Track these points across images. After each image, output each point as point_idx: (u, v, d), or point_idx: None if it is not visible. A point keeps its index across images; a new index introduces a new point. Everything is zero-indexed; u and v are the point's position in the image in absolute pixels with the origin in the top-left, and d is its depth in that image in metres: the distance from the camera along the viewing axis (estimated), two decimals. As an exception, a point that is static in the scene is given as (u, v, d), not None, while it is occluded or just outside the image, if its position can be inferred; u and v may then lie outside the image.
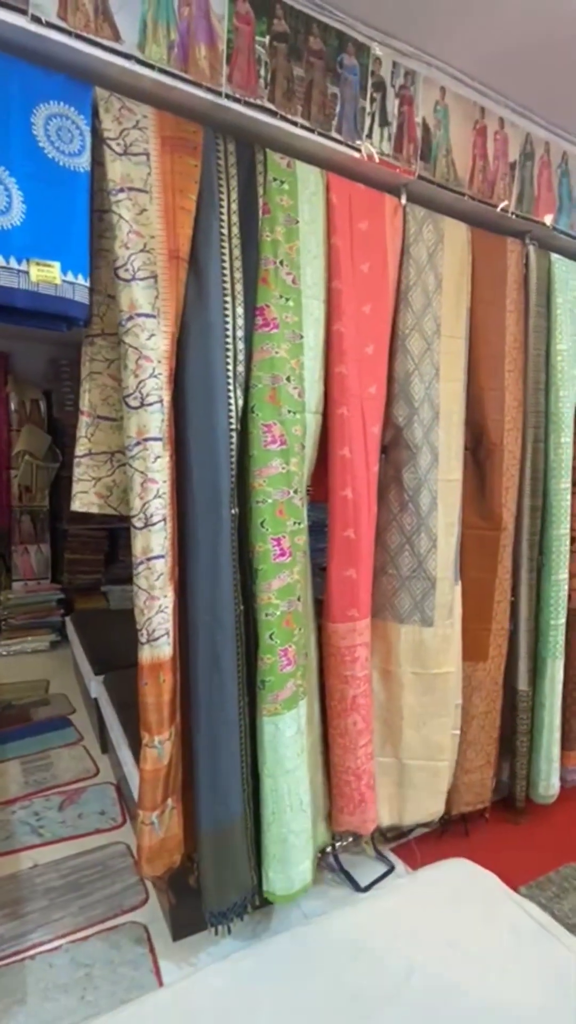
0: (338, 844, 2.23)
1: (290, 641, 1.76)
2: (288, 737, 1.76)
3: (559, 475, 2.44)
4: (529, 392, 2.38)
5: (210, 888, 1.72)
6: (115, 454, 1.61)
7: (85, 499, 1.58)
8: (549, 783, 2.52)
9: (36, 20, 1.32)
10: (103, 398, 1.57)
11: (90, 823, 2.46)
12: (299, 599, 1.80)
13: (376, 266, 1.92)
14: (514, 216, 2.21)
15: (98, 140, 1.44)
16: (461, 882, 2.12)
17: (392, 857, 2.32)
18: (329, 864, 2.23)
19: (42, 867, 2.21)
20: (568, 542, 2.48)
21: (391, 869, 2.24)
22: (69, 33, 1.36)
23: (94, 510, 1.59)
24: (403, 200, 1.98)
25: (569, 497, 2.49)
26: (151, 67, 1.46)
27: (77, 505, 1.58)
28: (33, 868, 2.21)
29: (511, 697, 2.53)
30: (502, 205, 2.21)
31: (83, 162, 1.42)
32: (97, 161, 1.46)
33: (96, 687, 2.90)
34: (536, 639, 2.52)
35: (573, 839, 2.43)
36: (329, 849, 2.17)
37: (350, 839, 2.20)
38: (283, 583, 1.74)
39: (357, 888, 2.13)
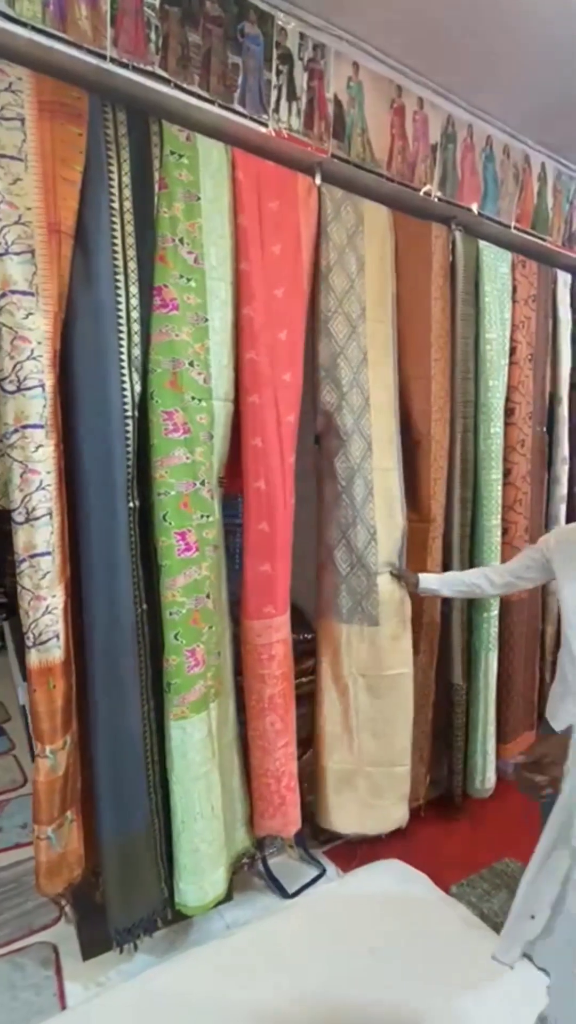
0: (268, 851, 2.16)
1: (198, 641, 1.67)
2: (197, 741, 1.67)
3: (489, 466, 2.41)
4: (457, 381, 2.34)
5: (115, 904, 1.62)
6: (-2, 444, 1.50)
7: (-35, 492, 1.47)
8: (485, 777, 2.49)
9: None
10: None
11: (10, 837, 2.34)
12: (208, 596, 1.71)
13: (288, 248, 1.84)
14: (437, 200, 2.16)
15: (-36, 102, 1.32)
16: (391, 885, 2.06)
17: (325, 860, 2.25)
18: (259, 871, 2.15)
19: (-49, 887, 2.07)
20: (499, 533, 2.45)
21: (322, 873, 2.17)
22: None
23: (-27, 504, 1.48)
24: (318, 180, 1.91)
25: (500, 488, 2.46)
26: (23, 24, 1.35)
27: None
28: (-58, 888, 2.07)
29: (446, 691, 2.49)
30: (425, 189, 2.16)
31: (-54, 125, 1.31)
32: (-34, 126, 1.34)
33: (23, 693, 2.77)
34: (470, 632, 2.48)
35: (507, 833, 2.39)
36: (259, 855, 2.09)
37: (284, 845, 2.13)
38: (189, 580, 1.65)
39: (284, 895, 2.05)
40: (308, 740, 2.38)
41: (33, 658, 1.43)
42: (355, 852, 2.22)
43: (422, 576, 2.06)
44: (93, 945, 1.78)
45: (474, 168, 2.25)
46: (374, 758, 2.10)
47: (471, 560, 2.43)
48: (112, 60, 1.47)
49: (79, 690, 1.57)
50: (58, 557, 1.46)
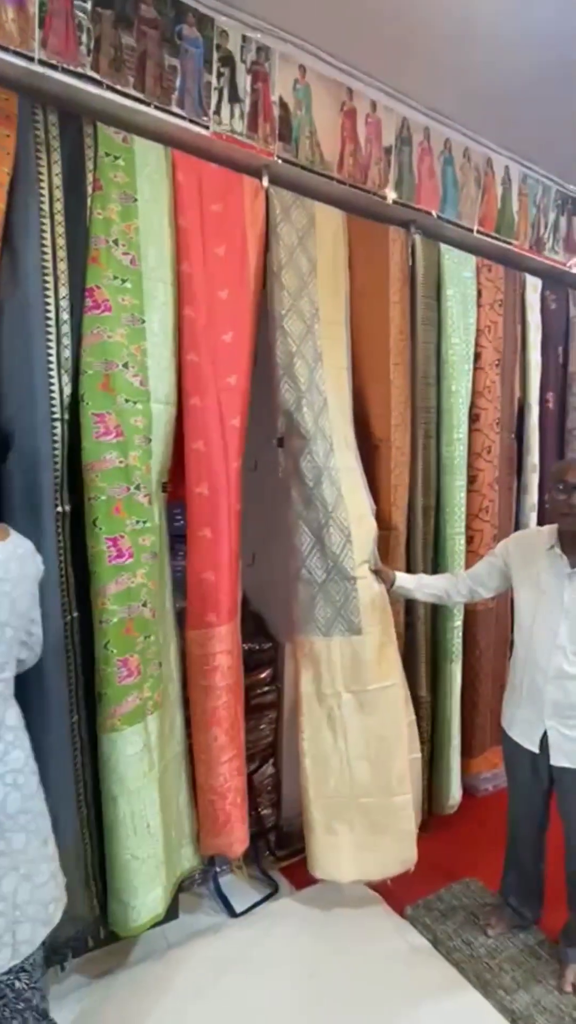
0: (220, 867, 2.10)
1: (131, 651, 1.62)
2: (130, 755, 1.62)
3: (452, 472, 2.36)
4: (418, 387, 2.30)
5: (40, 923, 1.56)
6: None
7: None
8: (450, 793, 2.41)
9: None
10: None
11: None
12: (145, 604, 1.66)
13: (234, 249, 1.82)
14: (392, 203, 2.13)
15: None
16: (342, 905, 1.99)
17: (279, 877, 2.18)
18: (209, 888, 2.09)
19: None
20: (463, 541, 2.40)
21: (273, 891, 2.10)
22: None
23: None
24: (265, 182, 1.89)
25: (464, 495, 2.41)
26: (-56, 25, 1.35)
27: None
28: None
29: (412, 705, 2.42)
30: (388, 194, 2.13)
31: None
32: None
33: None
34: (434, 643, 2.42)
35: (470, 851, 2.31)
36: (211, 871, 2.03)
37: (232, 864, 2.06)
38: (122, 587, 1.60)
39: (232, 914, 1.99)
40: (269, 753, 2.33)
41: (-51, 666, 1.39)
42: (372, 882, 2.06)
43: (398, 575, 2.01)
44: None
45: (432, 171, 2.22)
46: (368, 787, 1.93)
47: (435, 569, 2.37)
48: (41, 62, 1.46)
49: (4, 700, 1.52)
50: (-22, 562, 1.43)
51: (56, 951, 1.59)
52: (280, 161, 1.86)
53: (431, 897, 2.09)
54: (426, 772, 2.43)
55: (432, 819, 2.46)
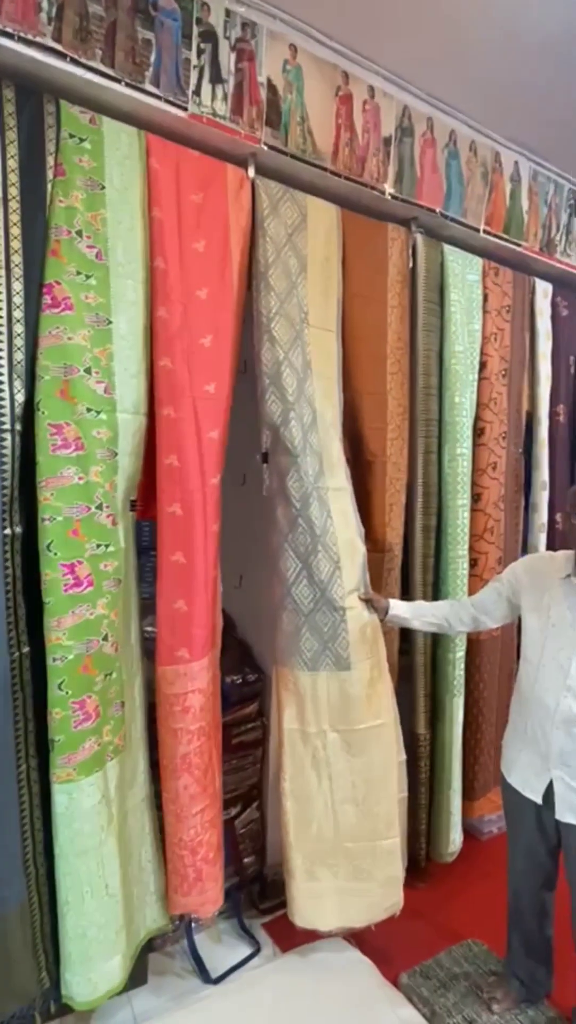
0: (195, 923, 1.90)
1: (89, 691, 1.44)
2: (86, 809, 1.43)
3: (455, 490, 2.17)
4: (418, 398, 2.12)
5: (-21, 1002, 1.37)
6: None
7: None
8: (451, 839, 2.21)
9: None
10: None
11: None
12: (106, 639, 1.48)
13: (215, 245, 1.65)
14: (391, 198, 1.96)
15: None
16: (330, 972, 1.79)
17: (263, 935, 1.98)
18: (183, 948, 1.89)
19: None
20: (467, 564, 2.21)
21: (255, 952, 1.90)
22: None
23: None
24: (251, 172, 1.72)
25: (467, 515, 2.22)
26: None
27: None
28: None
29: (408, 742, 2.23)
30: (387, 188, 1.96)
31: None
32: None
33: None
34: (433, 675, 2.23)
35: (473, 906, 2.11)
36: (189, 926, 1.83)
37: (203, 925, 1.86)
38: (79, 620, 1.42)
39: (207, 979, 1.79)
40: (253, 795, 2.13)
41: None
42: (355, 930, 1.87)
43: (392, 603, 1.82)
44: (-33, 1043, 1.53)
45: (435, 165, 2.05)
46: (354, 832, 1.77)
47: (435, 594, 2.19)
48: (-7, 29, 1.30)
49: None
50: None
51: (-4, 1034, 1.40)
52: (267, 148, 1.69)
53: (429, 962, 1.89)
54: (424, 816, 2.23)
55: (430, 866, 2.26)
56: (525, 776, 1.60)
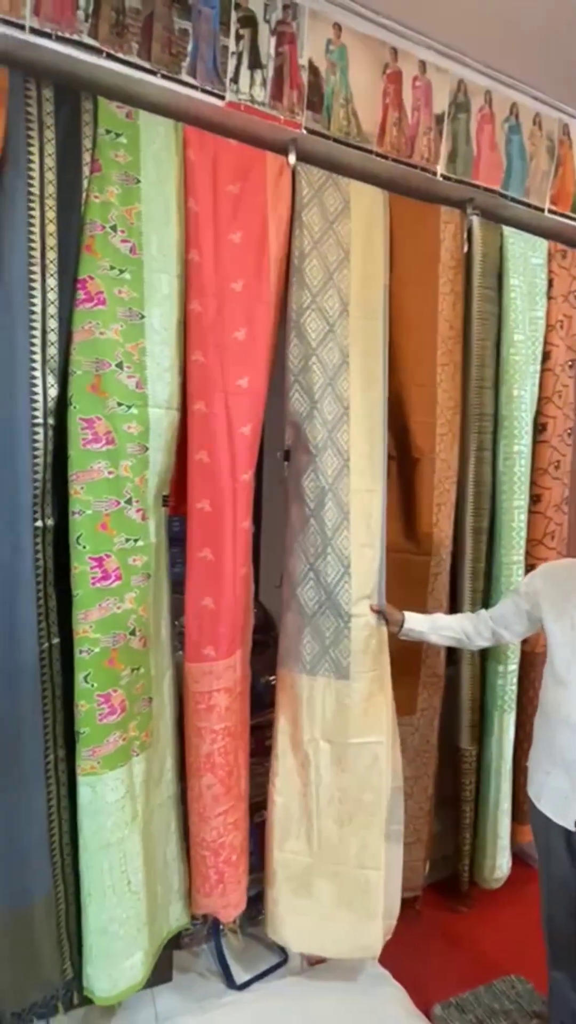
0: (222, 925, 1.87)
1: (115, 685, 1.44)
2: (111, 803, 1.44)
3: (511, 490, 2.02)
4: (471, 391, 1.99)
5: (5, 985, 1.40)
6: None
7: None
8: (496, 864, 2.06)
9: None
10: None
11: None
12: (134, 633, 1.48)
13: (252, 236, 1.61)
14: (442, 178, 1.84)
15: None
16: (358, 993, 1.71)
17: (291, 945, 1.92)
18: (211, 948, 1.87)
19: None
20: (522, 571, 2.05)
21: (282, 962, 1.85)
22: None
23: None
24: (291, 159, 1.67)
25: (524, 517, 2.06)
26: None
27: None
28: None
29: (452, 757, 2.11)
30: (438, 168, 1.85)
31: None
32: None
33: None
34: (482, 689, 2.09)
35: (519, 939, 1.95)
36: (216, 928, 1.81)
37: (225, 929, 1.82)
38: (106, 613, 1.43)
39: (231, 984, 1.76)
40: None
41: None
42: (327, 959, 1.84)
43: (409, 615, 1.72)
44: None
45: (493, 141, 1.91)
46: (338, 853, 1.69)
47: (485, 602, 2.05)
48: (32, 30, 1.32)
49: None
50: (-55, 580, 1.30)
51: (21, 1018, 1.42)
52: (307, 133, 1.63)
53: (467, 995, 1.77)
54: (468, 836, 2.10)
55: (474, 891, 2.12)
56: (554, 801, 1.46)
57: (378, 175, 1.82)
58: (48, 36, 1.34)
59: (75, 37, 1.36)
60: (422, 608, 1.88)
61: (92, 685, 1.41)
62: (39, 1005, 1.45)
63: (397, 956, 1.77)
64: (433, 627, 1.70)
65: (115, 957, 1.47)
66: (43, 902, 1.42)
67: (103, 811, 1.43)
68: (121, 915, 1.47)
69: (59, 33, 1.35)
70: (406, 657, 1.90)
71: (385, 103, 1.73)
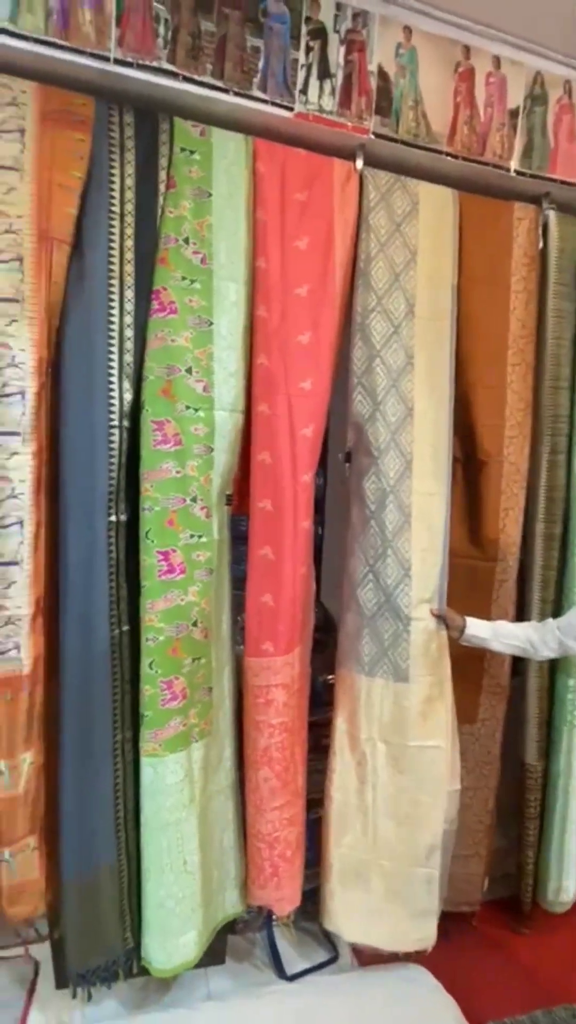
0: (275, 919, 1.91)
1: (177, 672, 1.52)
2: (170, 784, 1.52)
3: (586, 495, 1.93)
4: (544, 391, 1.92)
5: (71, 945, 1.52)
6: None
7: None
8: (561, 886, 1.97)
9: None
10: (-23, 391, 1.48)
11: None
12: (196, 624, 1.55)
13: (318, 242, 1.64)
14: (515, 174, 1.79)
15: (-31, 121, 1.37)
16: (407, 1001, 1.69)
17: (343, 944, 1.93)
18: (263, 937, 1.92)
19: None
20: (597, 582, 1.94)
21: (333, 959, 1.87)
22: None
23: (-38, 510, 1.50)
24: (359, 164, 1.69)
25: (601, 524, 1.96)
26: (25, 39, 1.36)
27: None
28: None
29: (516, 772, 2.03)
30: (512, 164, 1.81)
31: (-52, 145, 1.36)
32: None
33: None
34: (550, 702, 2.00)
35: (584, 971, 1.85)
36: (269, 919, 1.85)
37: (279, 922, 1.86)
38: (170, 604, 1.51)
39: (281, 975, 1.79)
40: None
41: (-8, 668, 1.40)
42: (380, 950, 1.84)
43: (471, 621, 1.68)
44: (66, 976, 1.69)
45: (573, 132, 1.84)
46: (393, 850, 1.70)
47: (555, 612, 1.96)
48: (116, 61, 1.43)
49: (50, 710, 1.50)
50: (28, 568, 1.42)
51: (85, 978, 1.53)
52: (374, 137, 1.64)
53: (523, 1018, 1.70)
54: (532, 855, 2.02)
55: (536, 913, 2.03)
56: None
57: (449, 175, 1.80)
58: (130, 65, 1.44)
59: (154, 64, 1.46)
60: (486, 615, 1.83)
61: (156, 671, 1.49)
62: (102, 969, 1.55)
63: (451, 968, 1.74)
64: (496, 634, 1.66)
65: (170, 932, 1.54)
66: (107, 871, 1.52)
67: (163, 791, 1.51)
68: (177, 893, 1.54)
69: (140, 61, 1.45)
70: (467, 664, 1.86)
71: (456, 102, 1.71)
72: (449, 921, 1.92)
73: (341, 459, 1.78)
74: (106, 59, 1.42)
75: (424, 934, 1.72)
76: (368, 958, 1.85)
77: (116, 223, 1.48)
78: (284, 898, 1.68)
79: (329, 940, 1.93)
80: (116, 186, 1.48)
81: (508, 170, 1.80)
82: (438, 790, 1.69)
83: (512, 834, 2.07)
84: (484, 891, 1.98)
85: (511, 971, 1.81)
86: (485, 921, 1.98)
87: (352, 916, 1.72)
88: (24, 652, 1.43)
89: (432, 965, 1.71)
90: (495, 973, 1.68)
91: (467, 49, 1.70)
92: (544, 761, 2.00)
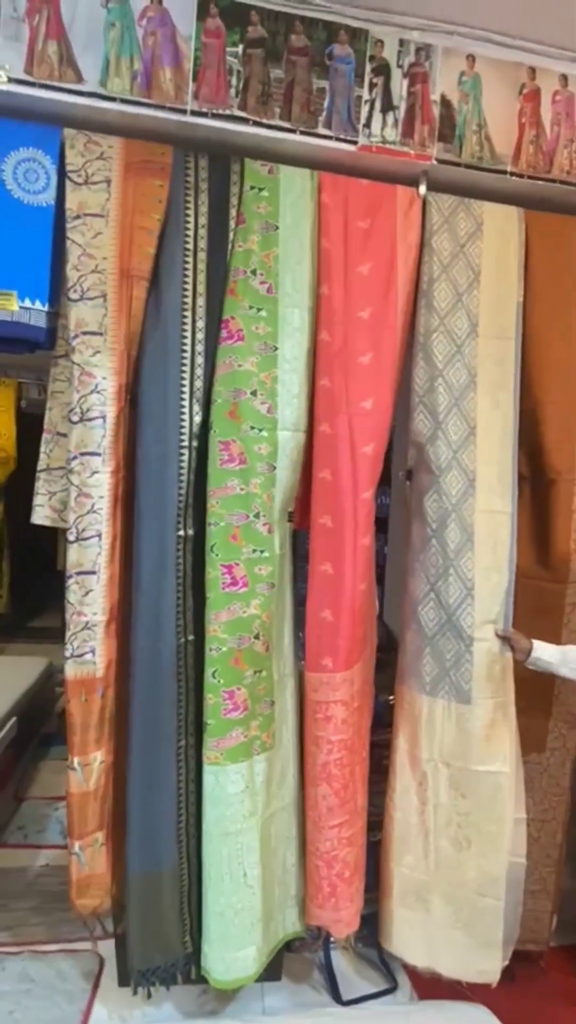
0: (333, 941, 1.89)
1: (239, 683, 1.57)
2: (231, 794, 1.56)
3: None
4: (617, 408, 1.84)
5: (134, 942, 1.58)
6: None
7: (41, 512, 1.65)
8: None
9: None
10: (63, 416, 1.62)
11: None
12: (258, 637, 1.60)
13: (380, 266, 1.69)
14: (583, 189, 1.77)
15: (63, 175, 1.53)
16: (468, 1040, 1.61)
17: (402, 975, 1.88)
18: (321, 960, 1.90)
19: (51, 868, 2.28)
20: None
21: (392, 989, 1.83)
22: (34, 84, 1.48)
23: (47, 523, 1.65)
24: (422, 190, 1.72)
25: None
26: (113, 99, 1.52)
27: (35, 518, 1.65)
28: (44, 867, 2.30)
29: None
30: (583, 180, 1.79)
31: (46, 197, 1.52)
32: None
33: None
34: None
35: None
36: (328, 940, 1.84)
37: (338, 944, 1.84)
38: (233, 616, 1.57)
39: (337, 998, 1.77)
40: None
41: (69, 669, 1.52)
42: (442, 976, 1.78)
43: (538, 644, 1.63)
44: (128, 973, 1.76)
45: None
46: (455, 875, 1.66)
47: (633, 639, 1.85)
48: (192, 112, 1.56)
49: (121, 712, 1.59)
50: (104, 577, 1.54)
51: (146, 976, 1.58)
52: (437, 163, 1.68)
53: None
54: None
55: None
56: None
57: (516, 194, 1.79)
58: (205, 115, 1.56)
59: (227, 112, 1.57)
60: (556, 640, 1.76)
61: (219, 681, 1.55)
62: (162, 969, 1.59)
63: (515, 1011, 1.64)
64: (564, 659, 1.60)
65: (229, 943, 1.57)
66: (169, 872, 1.58)
67: (224, 801, 1.56)
68: (236, 904, 1.57)
69: (214, 111, 1.57)
70: (536, 690, 1.79)
71: (521, 123, 1.72)
72: (515, 961, 1.82)
73: (402, 477, 1.79)
74: (183, 111, 1.55)
75: (488, 967, 1.66)
76: (427, 992, 1.79)
77: (190, 260, 1.59)
78: (342, 920, 1.67)
79: (388, 969, 1.88)
80: (191, 226, 1.60)
81: (575, 184, 1.77)
82: (502, 817, 1.64)
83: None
84: (553, 931, 1.87)
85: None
86: (554, 966, 1.87)
87: (412, 938, 1.69)
88: (98, 656, 1.54)
89: (495, 1005, 1.62)
90: (562, 1022, 1.58)
91: (532, 70, 1.71)
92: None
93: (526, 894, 1.81)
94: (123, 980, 1.76)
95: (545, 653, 1.61)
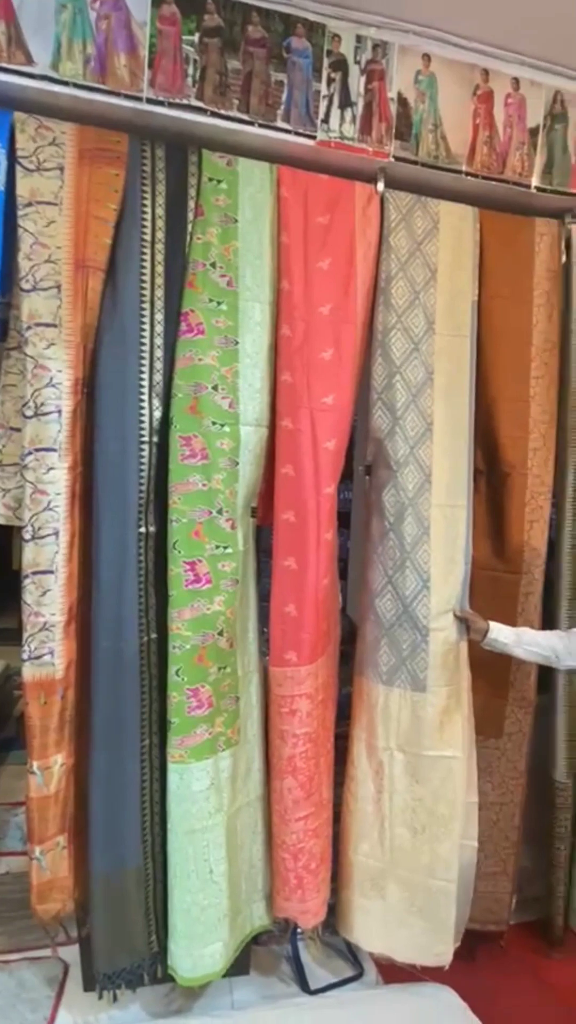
0: (301, 930, 1.91)
1: (203, 680, 1.56)
2: (196, 792, 1.55)
3: (613, 508, 1.91)
4: (569, 404, 1.92)
5: (99, 944, 1.56)
6: (25, 466, 1.59)
7: (-6, 509, 1.59)
8: (594, 912, 1.91)
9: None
10: (16, 410, 1.57)
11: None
12: (222, 634, 1.60)
13: (339, 262, 1.70)
14: (536, 191, 1.82)
15: (13, 160, 1.47)
16: (432, 1019, 1.65)
17: (368, 961, 1.92)
18: (288, 952, 1.92)
19: (12, 876, 2.22)
20: (626, 595, 1.91)
21: (358, 975, 1.86)
22: (-20, 65, 1.42)
23: (2, 521, 1.59)
24: (380, 187, 1.74)
25: (629, 537, 1.93)
26: (65, 84, 1.47)
27: (-13, 515, 1.60)
28: (4, 875, 2.23)
29: (546, 790, 1.99)
30: (531, 181, 1.84)
31: (-5, 183, 1.47)
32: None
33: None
34: (581, 717, 1.96)
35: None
36: (295, 932, 1.86)
37: (304, 935, 1.86)
38: (197, 613, 1.56)
39: (305, 988, 1.79)
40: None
41: (27, 672, 1.47)
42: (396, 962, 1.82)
43: (494, 625, 1.68)
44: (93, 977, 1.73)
45: (594, 148, 1.85)
46: (409, 860, 1.70)
47: (584, 626, 1.93)
48: (148, 100, 1.52)
49: (82, 714, 1.56)
50: (62, 576, 1.50)
51: (111, 979, 1.56)
52: (394, 161, 1.69)
53: (554, 1044, 1.65)
54: (563, 877, 1.97)
55: (568, 937, 1.98)
56: None
57: (471, 194, 1.83)
58: (162, 103, 1.53)
59: (184, 101, 1.54)
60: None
61: (183, 679, 1.54)
62: (128, 971, 1.58)
63: (478, 989, 1.70)
64: (519, 640, 1.65)
65: (196, 940, 1.56)
66: (134, 872, 1.56)
67: (189, 798, 1.55)
68: (203, 900, 1.56)
69: (171, 99, 1.54)
70: (493, 676, 1.85)
71: (475, 123, 1.75)
72: (477, 941, 1.90)
73: (361, 472, 1.81)
74: (139, 99, 1.52)
75: (442, 949, 1.70)
76: (393, 976, 1.83)
77: (147, 250, 1.56)
78: (309, 911, 1.69)
79: (354, 956, 1.91)
80: (148, 216, 1.56)
81: (528, 187, 1.82)
82: (454, 801, 1.69)
83: (541, 855, 2.03)
84: (512, 911, 1.94)
85: (542, 996, 1.76)
86: (514, 943, 1.94)
87: (369, 925, 1.72)
88: (57, 657, 1.50)
89: (459, 985, 1.68)
90: (523, 996, 1.64)
91: (486, 72, 1.74)
92: (574, 779, 1.96)
93: (487, 877, 1.88)
94: (88, 985, 1.73)
95: (501, 634, 1.66)
